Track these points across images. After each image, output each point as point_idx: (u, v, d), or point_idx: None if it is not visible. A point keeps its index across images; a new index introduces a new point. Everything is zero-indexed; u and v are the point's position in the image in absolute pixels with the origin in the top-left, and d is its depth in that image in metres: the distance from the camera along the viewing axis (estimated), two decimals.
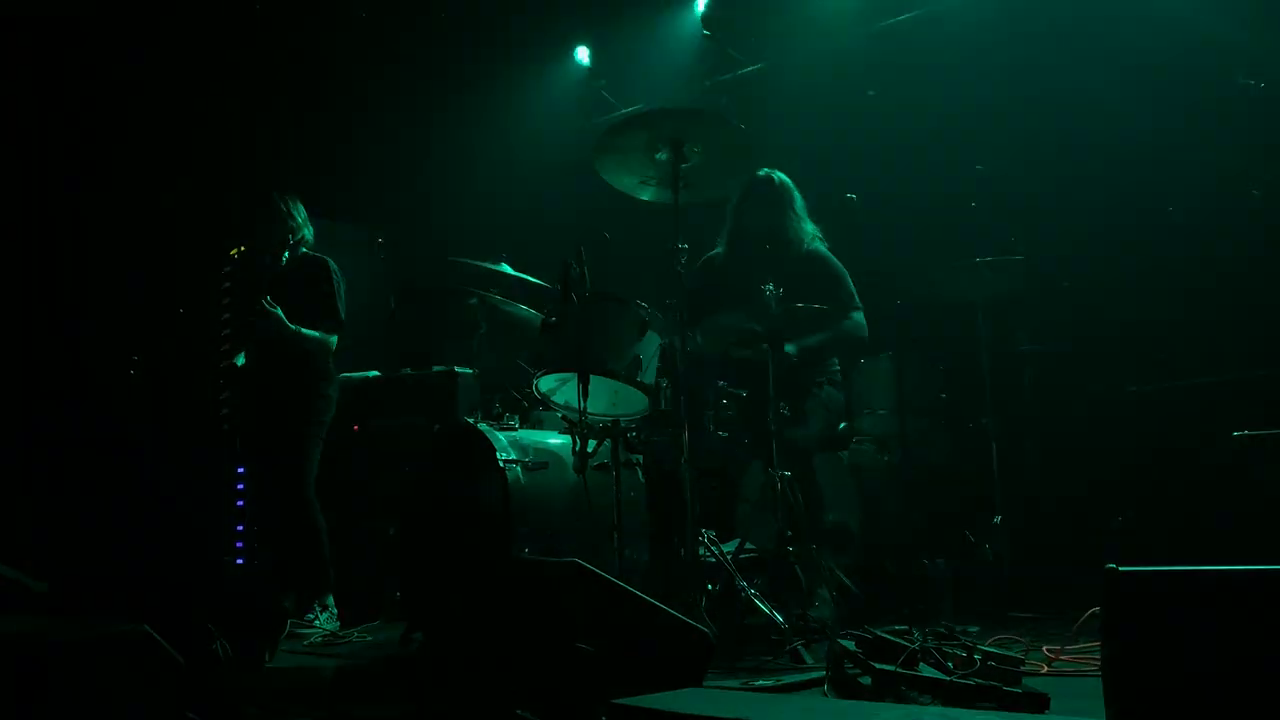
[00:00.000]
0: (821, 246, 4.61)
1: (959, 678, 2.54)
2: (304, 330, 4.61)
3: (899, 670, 2.58)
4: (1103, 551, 4.48)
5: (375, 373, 5.50)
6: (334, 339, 4.73)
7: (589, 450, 3.78)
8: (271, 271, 4.73)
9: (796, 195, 4.57)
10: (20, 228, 5.80)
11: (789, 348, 4.20)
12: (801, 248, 4.52)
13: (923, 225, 5.48)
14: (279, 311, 4.53)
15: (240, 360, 4.93)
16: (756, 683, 2.99)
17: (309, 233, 4.86)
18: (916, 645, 2.70)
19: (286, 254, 4.79)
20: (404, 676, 3.63)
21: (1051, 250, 5.07)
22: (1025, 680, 2.63)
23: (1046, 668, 3.05)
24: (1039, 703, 2.45)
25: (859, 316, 4.49)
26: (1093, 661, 2.97)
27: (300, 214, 4.84)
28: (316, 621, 4.48)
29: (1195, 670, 1.67)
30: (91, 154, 5.95)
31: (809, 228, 4.58)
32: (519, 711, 2.44)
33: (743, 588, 3.62)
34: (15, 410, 5.66)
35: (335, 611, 4.61)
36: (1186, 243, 4.84)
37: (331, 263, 4.79)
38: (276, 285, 4.70)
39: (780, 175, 4.51)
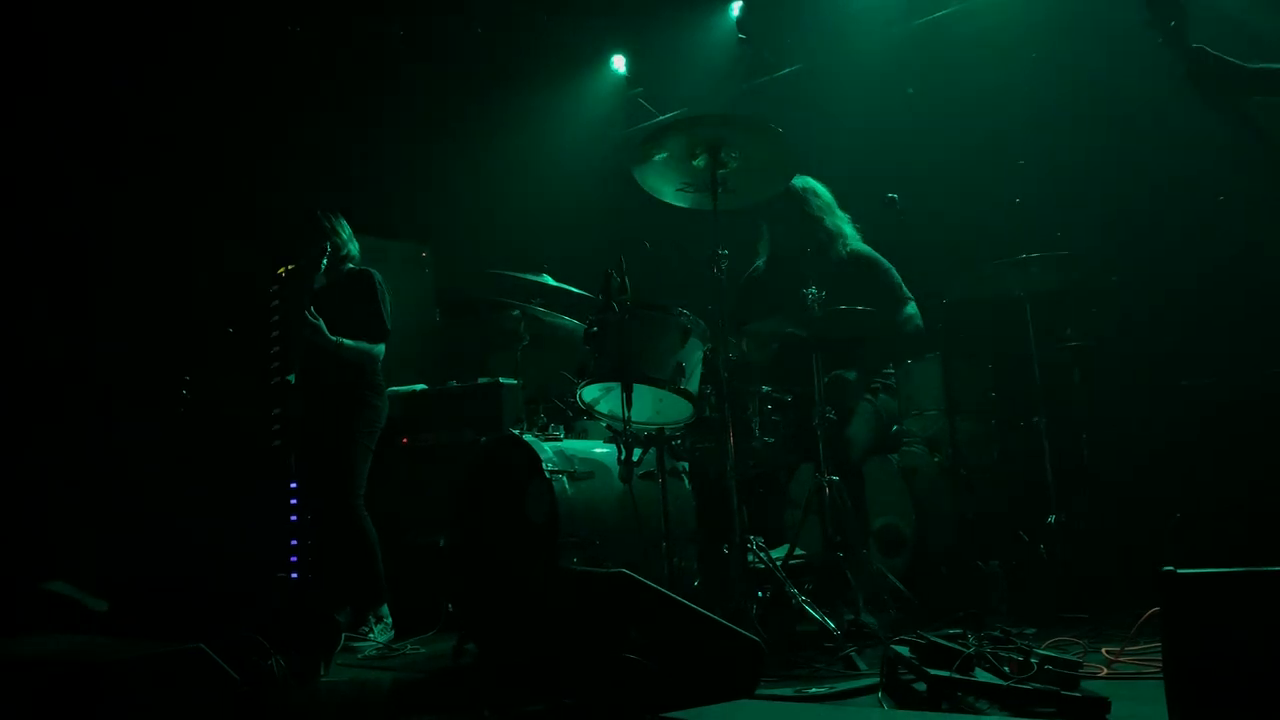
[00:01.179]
0: (864, 246, 4.58)
1: (1016, 682, 2.50)
2: (345, 341, 4.68)
3: (954, 676, 2.54)
4: (1159, 550, 4.41)
5: (422, 386, 5.55)
6: (380, 349, 4.79)
7: (634, 459, 3.78)
8: (316, 287, 4.79)
9: (827, 196, 4.54)
10: (72, 250, 5.93)
11: (850, 375, 4.20)
12: (843, 248, 4.49)
13: (966, 222, 5.42)
14: (320, 323, 4.61)
15: (292, 378, 5.00)
16: (810, 690, 2.96)
17: (354, 248, 4.94)
18: (971, 650, 2.66)
19: (329, 268, 4.85)
20: (458, 688, 3.65)
21: (1099, 244, 4.98)
22: (1084, 683, 2.58)
23: (1106, 670, 2.98)
24: (1099, 707, 2.40)
25: (912, 309, 4.46)
26: (1154, 663, 2.90)
27: (344, 230, 4.93)
28: (371, 634, 4.52)
29: (1259, 672, 1.63)
30: (140, 176, 6.07)
31: (847, 228, 4.55)
32: None
33: (793, 594, 3.59)
34: (70, 433, 5.78)
35: (390, 622, 4.65)
36: (1239, 233, 4.73)
37: (376, 274, 4.86)
38: (322, 299, 4.76)
39: (806, 181, 4.47)
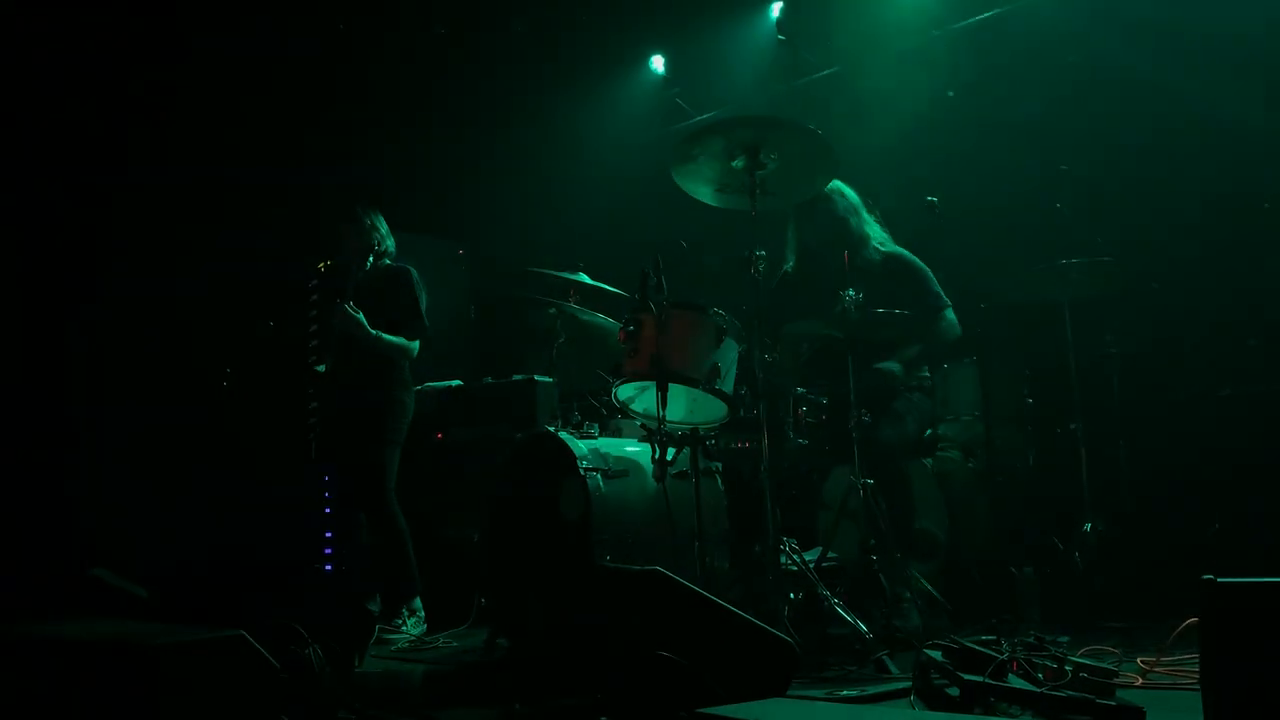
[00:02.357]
0: (897, 247, 4.56)
1: (1050, 689, 2.49)
2: (384, 335, 4.72)
3: (988, 681, 2.53)
4: (1196, 559, 4.36)
5: (458, 382, 5.59)
6: (416, 345, 4.84)
7: (668, 458, 3.79)
8: (355, 281, 4.85)
9: (854, 197, 4.52)
10: (115, 248, 6.04)
11: (894, 365, 4.18)
12: (876, 250, 4.47)
13: (1006, 227, 5.39)
14: (361, 316, 4.65)
15: (321, 368, 5.06)
16: (842, 693, 2.96)
17: (391, 244, 4.99)
18: (1005, 656, 2.65)
19: (370, 263, 4.90)
20: (489, 682, 3.68)
21: (1140, 251, 4.93)
22: (1119, 693, 2.56)
23: (1141, 680, 2.96)
24: (1135, 716, 2.38)
25: (950, 315, 4.43)
26: (1190, 674, 2.88)
27: (382, 226, 4.97)
28: (404, 626, 4.56)
29: None
30: (183, 174, 6.16)
31: (874, 230, 4.53)
32: (602, 717, 2.46)
33: (825, 596, 3.59)
34: (114, 423, 5.88)
35: (423, 615, 4.69)
36: None
37: (413, 271, 4.91)
38: (360, 295, 4.82)
39: (834, 183, 4.44)
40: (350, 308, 4.66)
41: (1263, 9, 4.85)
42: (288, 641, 2.93)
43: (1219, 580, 1.71)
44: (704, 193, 3.99)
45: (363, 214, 4.94)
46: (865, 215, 4.54)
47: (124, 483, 5.81)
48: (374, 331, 4.70)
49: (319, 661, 2.72)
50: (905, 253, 4.53)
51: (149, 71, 5.98)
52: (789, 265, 4.68)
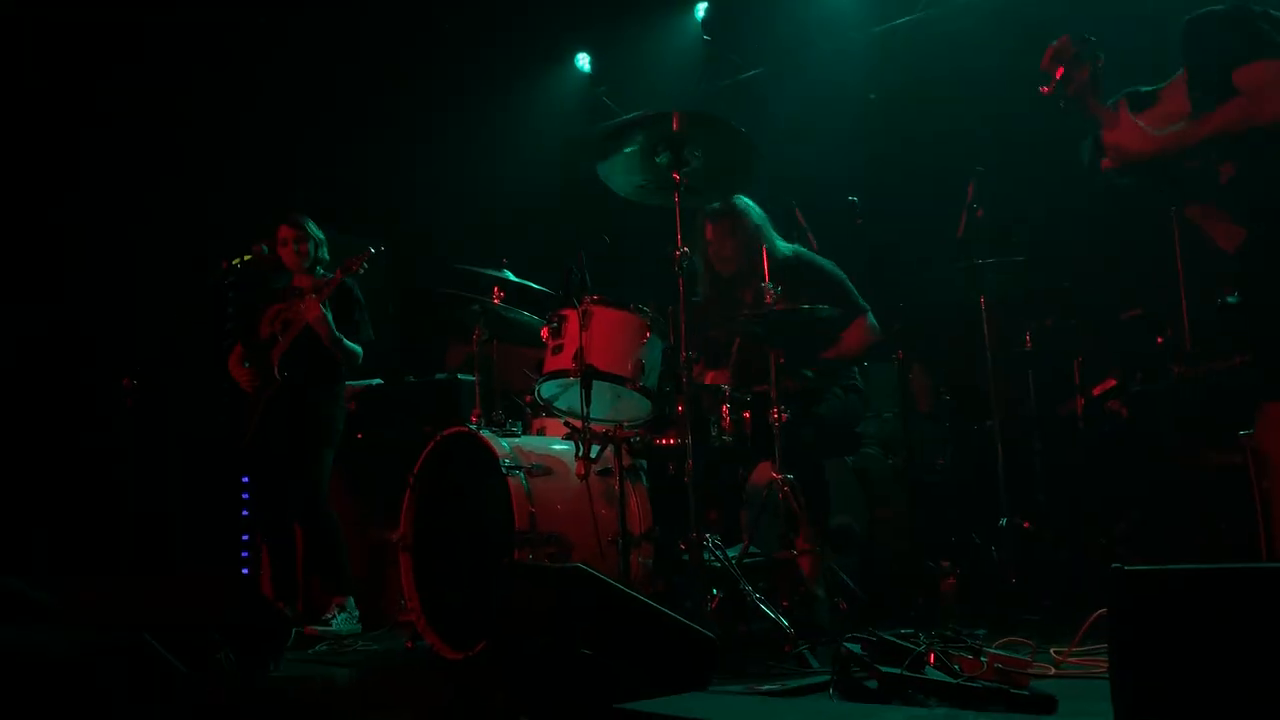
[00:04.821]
0: (809, 255, 4.56)
1: (966, 680, 2.53)
2: (344, 339, 4.72)
3: (905, 673, 2.56)
4: (1108, 553, 4.48)
5: (377, 381, 5.50)
6: (361, 352, 4.83)
7: (592, 456, 3.77)
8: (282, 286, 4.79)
9: (760, 213, 4.51)
10: (18, 240, 5.82)
11: (808, 373, 4.20)
12: (781, 253, 4.45)
13: (926, 227, 5.47)
14: (329, 314, 4.58)
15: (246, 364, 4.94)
16: (762, 687, 2.97)
17: (325, 252, 4.95)
18: (923, 648, 2.68)
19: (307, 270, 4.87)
20: (410, 684, 3.62)
21: (1053, 251, 5.06)
22: (1033, 683, 2.61)
23: (1054, 670, 3.02)
24: (1047, 705, 2.43)
25: (871, 319, 4.44)
26: (1100, 663, 2.94)
27: (319, 234, 4.94)
28: (334, 622, 4.49)
29: (1200, 667, 1.66)
30: (91, 169, 5.97)
31: (782, 244, 4.52)
32: (522, 717, 2.43)
33: (747, 592, 3.60)
34: (15, 421, 5.67)
35: (357, 614, 4.62)
36: (1191, 241, 4.81)
37: (355, 287, 4.86)
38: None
39: (737, 201, 4.43)
40: (324, 306, 4.58)
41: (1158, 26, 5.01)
42: (198, 646, 2.84)
43: (1126, 568, 1.75)
44: (629, 189, 3.97)
45: (305, 222, 4.92)
46: (770, 230, 4.53)
47: (24, 484, 5.60)
48: (339, 334, 4.65)
49: (230, 665, 2.64)
50: (819, 260, 4.53)
51: (50, 62, 5.79)
52: (698, 297, 4.61)
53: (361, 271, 4.65)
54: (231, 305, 5.78)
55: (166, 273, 6.12)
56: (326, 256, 4.98)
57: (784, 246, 4.51)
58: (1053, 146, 5.47)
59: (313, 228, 4.93)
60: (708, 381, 4.39)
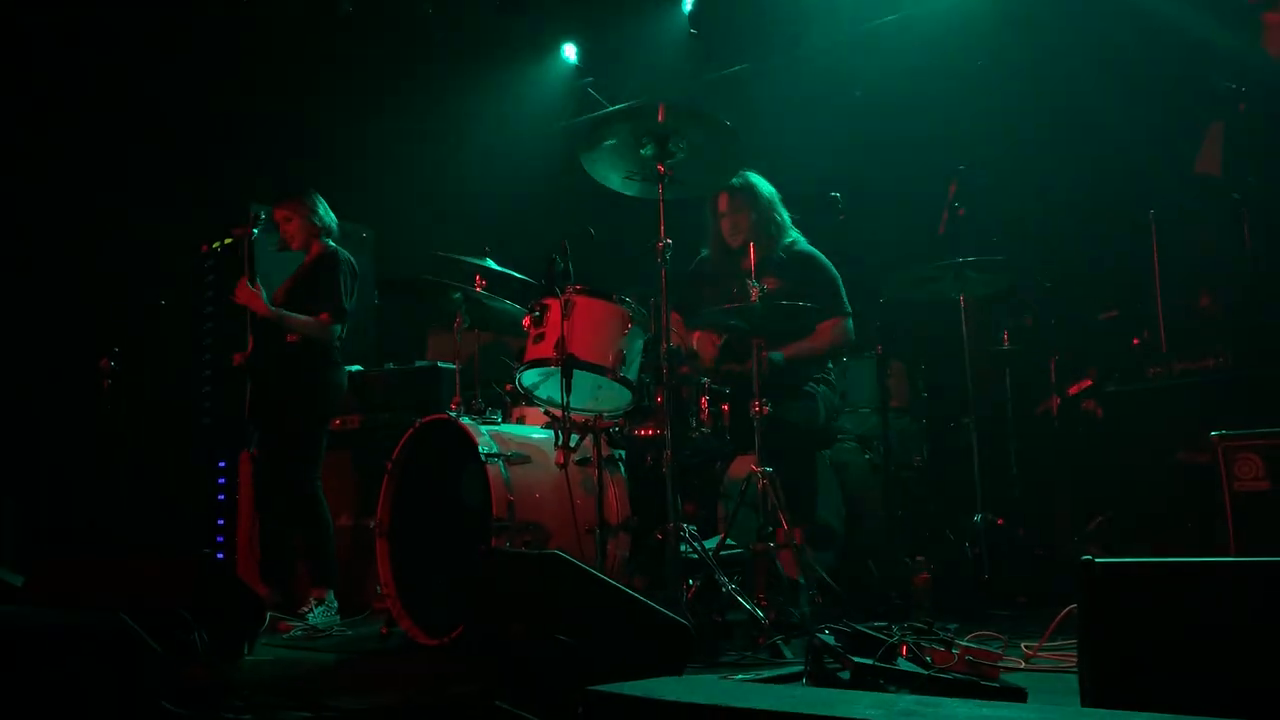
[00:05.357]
0: (809, 247, 4.60)
1: (937, 672, 2.55)
2: (286, 312, 4.62)
3: (877, 664, 2.59)
4: (1081, 550, 4.53)
5: (358, 368, 5.48)
6: (337, 328, 4.74)
7: (572, 445, 3.79)
8: (252, 258, 4.74)
9: (772, 190, 4.55)
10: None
11: (776, 356, 4.21)
12: (786, 244, 4.51)
13: (907, 224, 5.51)
14: (263, 292, 4.54)
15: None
16: (736, 677, 2.99)
17: (332, 221, 4.93)
18: (895, 640, 2.71)
19: (306, 245, 4.86)
20: (386, 670, 3.62)
21: (1033, 250, 5.10)
22: (1003, 675, 2.64)
23: (1024, 663, 3.06)
24: (1016, 697, 2.46)
25: (849, 324, 4.48)
26: (1070, 658, 2.98)
27: (321, 206, 4.93)
28: (311, 616, 4.45)
29: (1165, 657, 1.70)
30: (66, 145, 5.92)
31: (790, 224, 4.57)
32: (498, 702, 2.44)
33: (723, 583, 3.62)
34: None
35: (335, 606, 4.58)
36: (1169, 243, 4.87)
37: (342, 253, 4.82)
38: (299, 279, 4.79)
39: (753, 176, 4.48)
40: (250, 284, 4.54)
41: (1152, 30, 5.06)
42: (173, 627, 2.84)
43: (1096, 561, 1.78)
44: (614, 180, 3.98)
45: (308, 196, 4.88)
46: (782, 209, 4.58)
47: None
48: (275, 309, 4.59)
49: (204, 647, 2.64)
50: (819, 254, 4.57)
51: (39, 36, 5.73)
52: (705, 253, 4.68)
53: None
54: (210, 288, 5.78)
55: (148, 255, 6.08)
56: (334, 226, 4.93)
57: (790, 231, 4.54)
58: (1035, 146, 5.54)
59: (309, 204, 4.86)
60: (694, 340, 4.41)
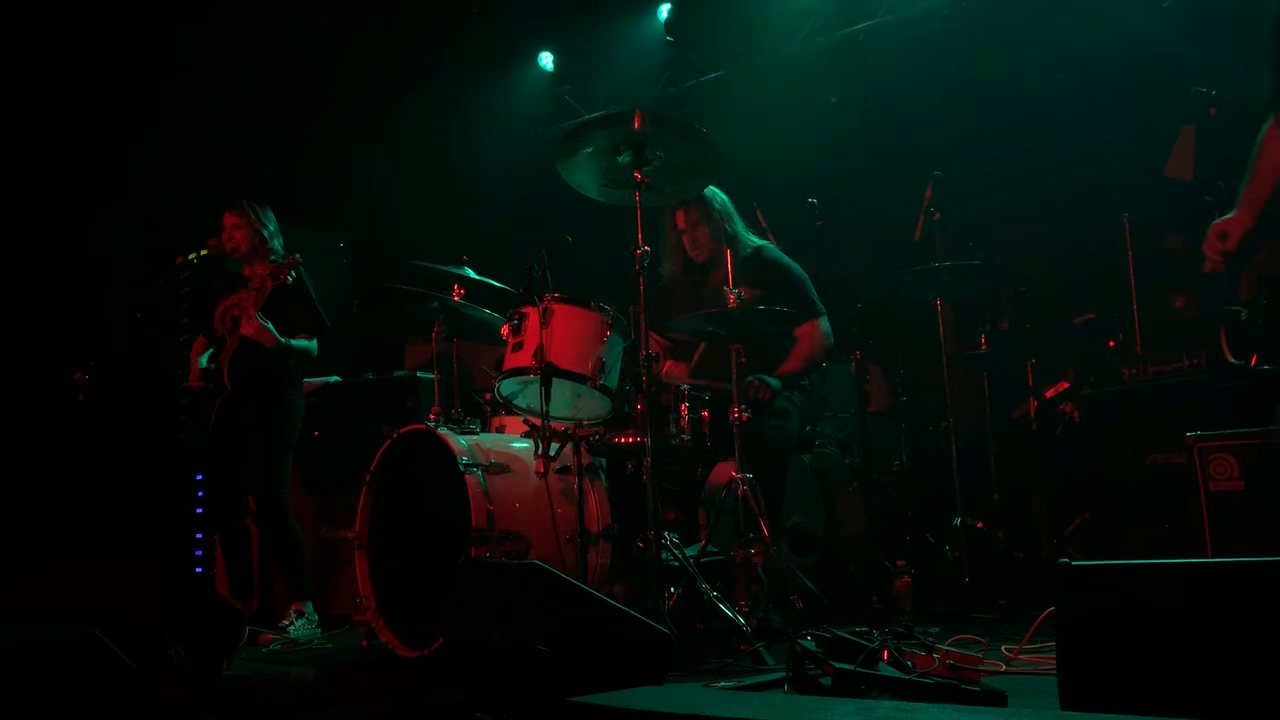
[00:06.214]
0: (774, 251, 4.61)
1: (918, 676, 2.55)
2: (292, 342, 4.60)
3: (858, 669, 2.58)
4: (1059, 553, 4.55)
5: (335, 378, 5.45)
6: (315, 344, 4.71)
7: (552, 454, 3.77)
8: (233, 277, 4.69)
9: (727, 202, 4.55)
10: None
11: (774, 382, 4.23)
12: (748, 249, 4.51)
13: (883, 229, 5.53)
14: (270, 325, 4.49)
15: (203, 362, 4.87)
16: (718, 684, 2.99)
17: (279, 242, 4.85)
18: (876, 645, 2.71)
19: (255, 261, 4.76)
20: (366, 683, 3.59)
21: (1009, 254, 5.13)
22: (984, 679, 2.65)
23: (1005, 666, 3.07)
24: (996, 700, 2.46)
25: (825, 324, 4.49)
26: (1049, 660, 2.99)
27: (271, 222, 4.84)
28: (291, 629, 4.41)
29: (1142, 657, 1.70)
30: (39, 158, 5.87)
31: (745, 234, 4.58)
32: (479, 714, 2.42)
33: (705, 590, 3.61)
34: None
35: (316, 619, 4.54)
36: (1144, 246, 4.92)
37: (301, 269, 4.76)
38: (270, 301, 4.64)
39: (705, 191, 4.47)
40: (260, 317, 4.48)
41: (1124, 38, 5.11)
42: (148, 642, 2.80)
43: (1073, 563, 1.79)
44: (591, 188, 3.98)
45: (251, 208, 4.79)
46: (737, 220, 4.59)
47: None
48: (284, 340, 4.55)
49: (180, 663, 2.61)
50: (784, 258, 4.58)
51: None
52: (665, 270, 4.67)
53: (290, 280, 4.56)
54: (187, 300, 5.72)
55: (122, 267, 6.02)
56: (279, 247, 4.85)
57: (748, 239, 4.56)
58: (1009, 151, 5.58)
59: (259, 214, 4.79)
60: (665, 370, 4.43)
